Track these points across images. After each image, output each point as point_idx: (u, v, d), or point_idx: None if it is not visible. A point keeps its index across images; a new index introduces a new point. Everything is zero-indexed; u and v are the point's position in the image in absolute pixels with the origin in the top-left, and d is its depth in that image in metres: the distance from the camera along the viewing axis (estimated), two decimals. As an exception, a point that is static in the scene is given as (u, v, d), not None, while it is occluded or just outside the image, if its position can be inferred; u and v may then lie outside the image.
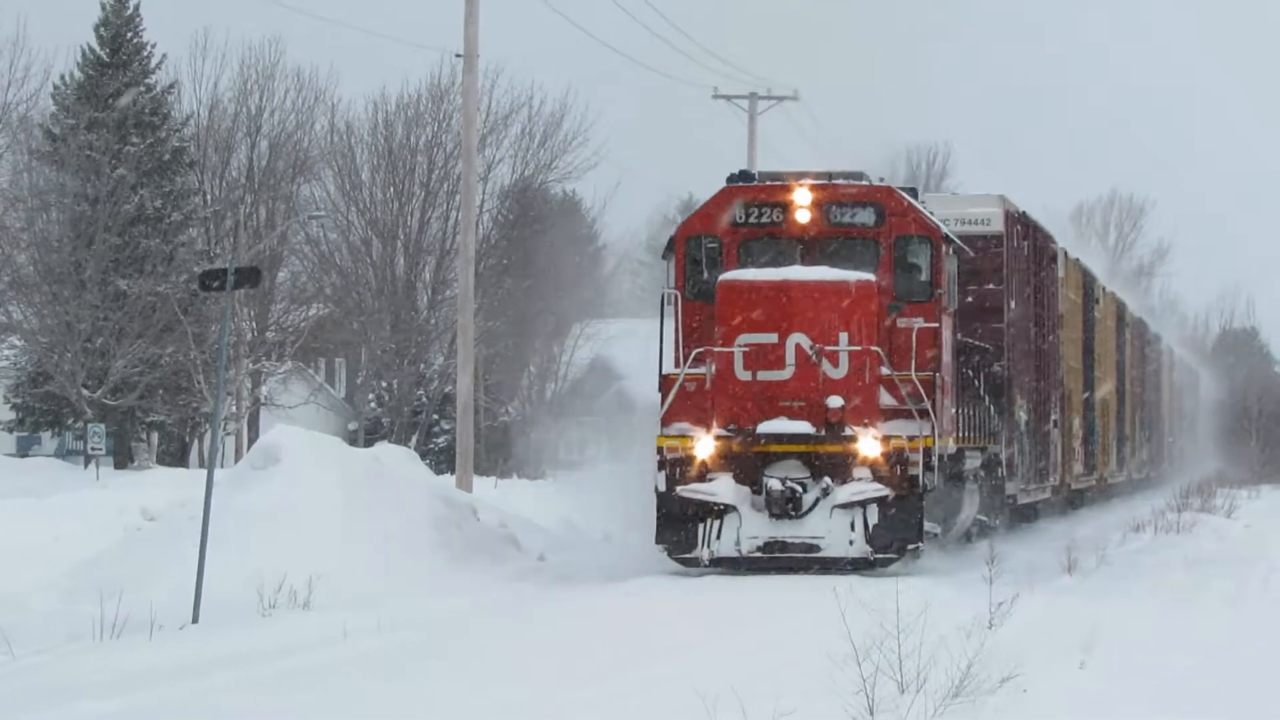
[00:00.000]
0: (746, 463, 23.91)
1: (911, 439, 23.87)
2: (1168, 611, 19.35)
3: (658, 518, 24.04)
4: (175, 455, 64.78)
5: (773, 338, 24.07)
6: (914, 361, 24.25)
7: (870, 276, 24.54)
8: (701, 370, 24.39)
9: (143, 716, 13.35)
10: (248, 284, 20.44)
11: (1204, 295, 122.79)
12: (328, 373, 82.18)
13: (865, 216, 25.25)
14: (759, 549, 23.54)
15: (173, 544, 21.69)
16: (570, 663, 15.78)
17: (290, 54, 78.62)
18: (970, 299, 29.42)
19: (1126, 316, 53.31)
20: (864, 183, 25.61)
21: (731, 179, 25.81)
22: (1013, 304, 32.26)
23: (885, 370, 24.21)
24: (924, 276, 25.25)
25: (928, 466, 23.89)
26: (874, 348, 24.14)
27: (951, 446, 25.90)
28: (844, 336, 24.10)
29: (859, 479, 23.77)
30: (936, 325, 24.96)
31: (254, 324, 64.06)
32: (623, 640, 17.54)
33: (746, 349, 24.07)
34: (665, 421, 24.40)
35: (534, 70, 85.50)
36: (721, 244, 25.30)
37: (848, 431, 23.85)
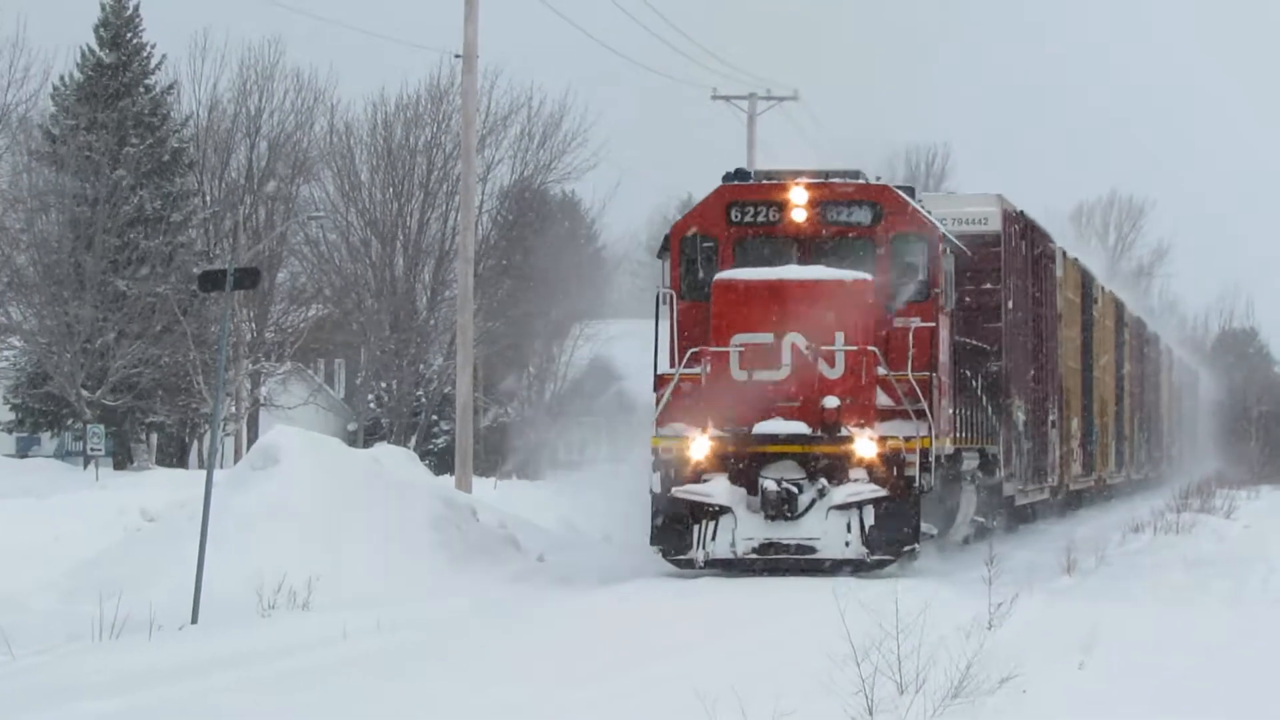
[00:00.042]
0: (742, 463, 23.80)
1: (908, 440, 23.77)
2: (1167, 612, 19.36)
3: (652, 519, 23.93)
4: (175, 456, 64.77)
5: (768, 337, 23.92)
6: (911, 361, 24.12)
7: (867, 276, 24.39)
8: (697, 370, 24.24)
9: (142, 716, 13.35)
10: (247, 285, 20.42)
11: (1203, 296, 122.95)
12: (327, 373, 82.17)
13: (862, 215, 25.11)
14: (754, 550, 23.42)
15: (172, 544, 21.68)
16: (570, 663, 15.79)
17: (289, 54, 78.87)
18: (968, 299, 29.30)
19: (1125, 316, 53.30)
20: (860, 181, 25.47)
21: (727, 178, 25.65)
22: (1010, 304, 32.16)
23: (882, 370, 24.09)
24: (921, 276, 25.08)
25: (924, 467, 23.76)
26: (870, 348, 24.01)
27: (949, 447, 25.78)
28: (840, 336, 23.95)
29: (855, 480, 23.63)
30: (933, 325, 24.79)
31: (253, 325, 64.07)
32: (622, 640, 17.54)
33: (742, 349, 23.93)
34: (660, 422, 24.28)
35: (533, 71, 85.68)
36: (717, 243, 25.14)
37: (844, 432, 23.73)
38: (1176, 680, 14.53)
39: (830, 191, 25.18)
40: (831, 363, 23.96)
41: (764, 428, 23.80)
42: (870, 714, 12.48)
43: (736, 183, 25.55)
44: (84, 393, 57.79)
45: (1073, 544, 26.45)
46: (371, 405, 71.25)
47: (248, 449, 41.95)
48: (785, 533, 23.43)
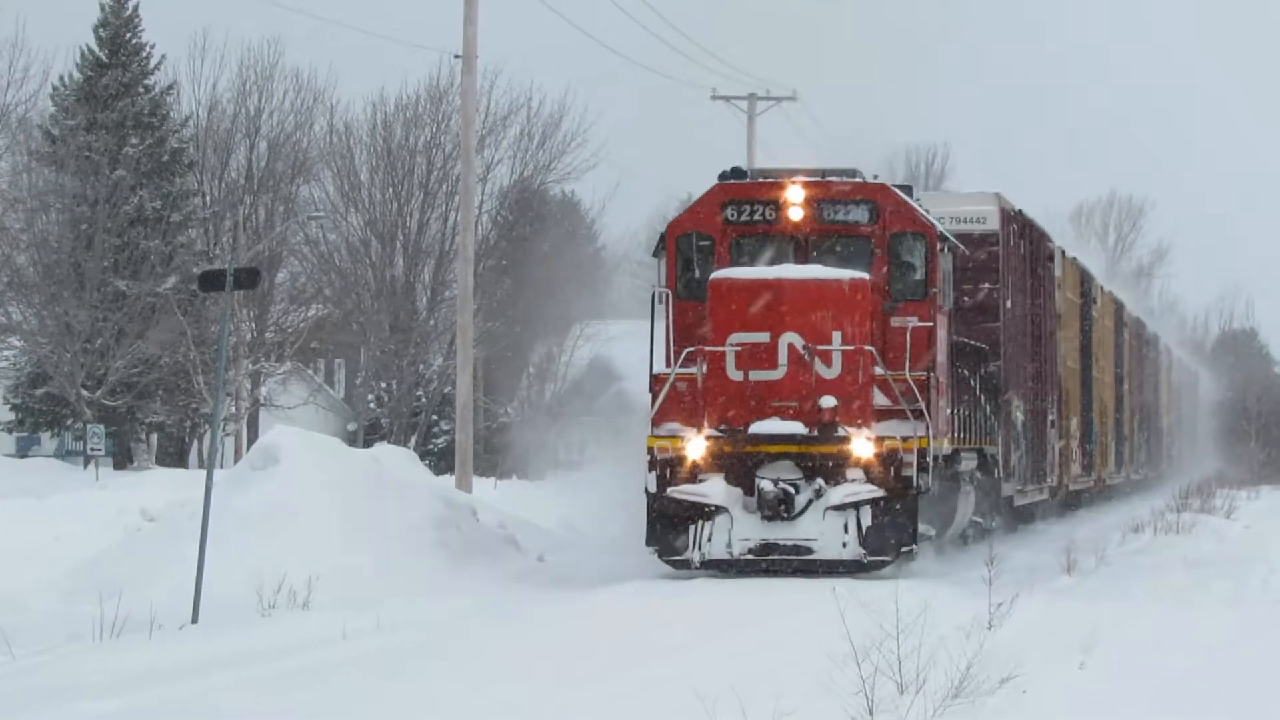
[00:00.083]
0: (738, 463, 23.62)
1: (906, 440, 23.60)
2: (1167, 612, 19.35)
3: (648, 519, 23.73)
4: (174, 456, 64.79)
5: (765, 337, 23.74)
6: (908, 361, 23.96)
7: (864, 275, 24.21)
8: (693, 370, 24.07)
9: (142, 716, 13.35)
10: (247, 285, 20.42)
11: (1203, 296, 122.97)
12: (327, 373, 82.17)
13: (859, 214, 24.94)
14: (751, 551, 23.25)
15: (172, 544, 21.69)
16: (570, 663, 15.78)
17: (289, 55, 78.75)
18: (966, 298, 29.20)
19: (1125, 316, 53.27)
20: (857, 180, 25.28)
21: (723, 176, 25.41)
22: (1009, 303, 32.05)
23: (879, 370, 23.93)
24: (918, 275, 24.91)
25: (922, 468, 23.57)
26: (868, 347, 23.82)
27: (946, 447, 25.60)
28: (837, 336, 23.77)
29: (852, 480, 23.45)
30: (931, 324, 24.63)
31: (253, 325, 64.08)
32: (622, 641, 17.54)
33: (738, 348, 23.75)
34: (656, 422, 24.09)
35: (533, 71, 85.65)
36: (713, 242, 24.95)
37: (841, 432, 23.53)
38: (1177, 680, 14.53)
39: (827, 190, 25.00)
40: (828, 362, 23.79)
41: (760, 428, 23.64)
42: (870, 714, 12.48)
43: (733, 181, 25.35)
44: (84, 393, 57.80)
45: (1073, 544, 26.44)
46: (371, 405, 71.26)
47: (248, 449, 41.96)
48: (782, 533, 23.28)
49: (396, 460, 28.87)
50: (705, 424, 23.81)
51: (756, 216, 24.99)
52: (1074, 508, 43.52)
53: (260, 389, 64.96)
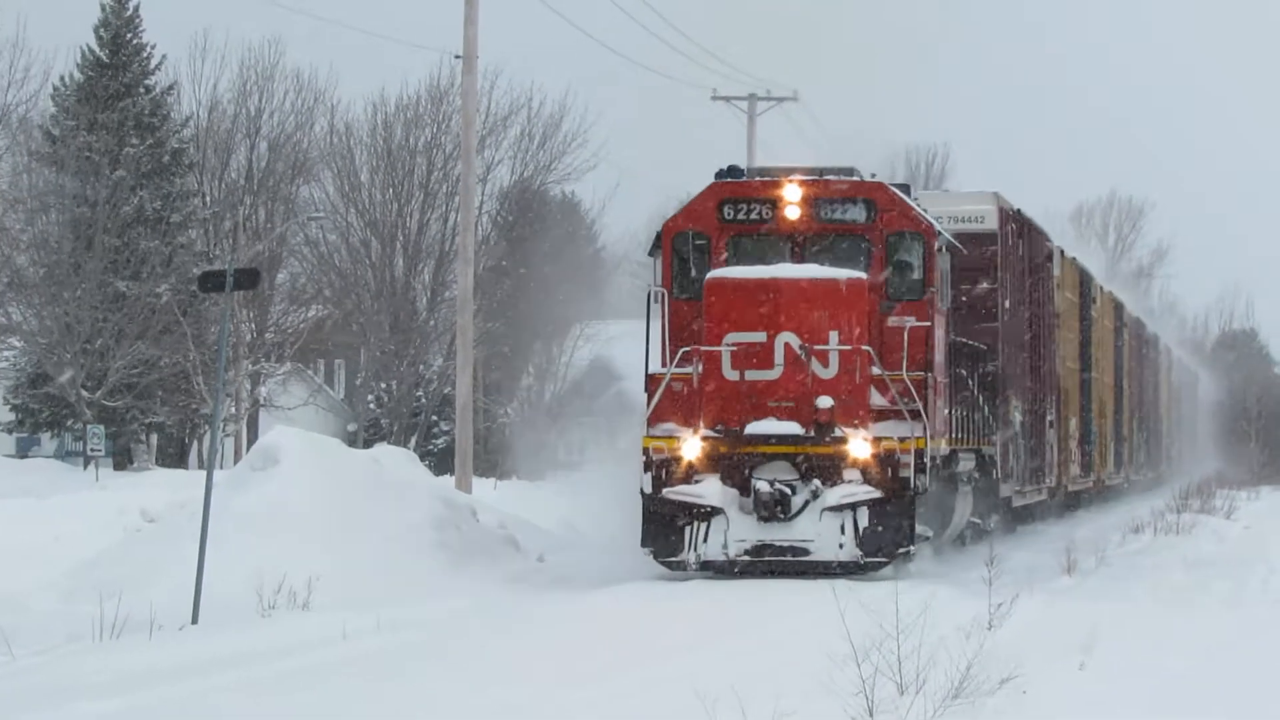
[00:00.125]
0: (734, 464, 23.45)
1: (903, 440, 23.43)
2: (1167, 613, 19.34)
3: (643, 520, 23.54)
4: (174, 456, 64.79)
5: (761, 337, 23.58)
6: (905, 361, 23.78)
7: (861, 274, 24.04)
8: (688, 370, 23.90)
9: (143, 717, 13.36)
10: (247, 285, 20.43)
11: (1203, 296, 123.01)
12: (327, 374, 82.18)
13: (856, 213, 24.73)
14: (747, 553, 23.08)
15: (172, 545, 21.70)
16: (570, 663, 15.79)
17: (290, 55, 78.85)
18: (964, 298, 29.06)
19: (1124, 317, 53.25)
20: (855, 178, 25.07)
21: (720, 174, 25.17)
22: (1007, 303, 31.95)
23: (876, 370, 23.74)
24: (916, 274, 24.73)
25: (919, 468, 23.41)
26: (865, 347, 23.65)
27: (944, 448, 25.46)
28: (834, 335, 23.60)
29: (849, 481, 23.28)
30: (929, 324, 24.44)
31: (253, 325, 64.09)
32: (622, 641, 17.54)
33: (734, 348, 23.58)
34: (651, 422, 23.91)
35: (533, 71, 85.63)
36: (710, 241, 24.74)
37: (838, 432, 23.36)
38: (1177, 681, 14.53)
39: (824, 188, 24.80)
40: (825, 362, 23.61)
41: (756, 428, 23.47)
42: (870, 715, 12.48)
43: (729, 180, 25.11)
44: (84, 393, 57.81)
45: (1072, 544, 26.42)
46: (371, 406, 71.27)
47: (247, 450, 41.97)
48: (778, 535, 23.11)
49: (396, 461, 28.88)
50: (701, 424, 23.65)
51: (753, 215, 24.77)
52: (1073, 508, 43.50)
53: (260, 390, 64.96)
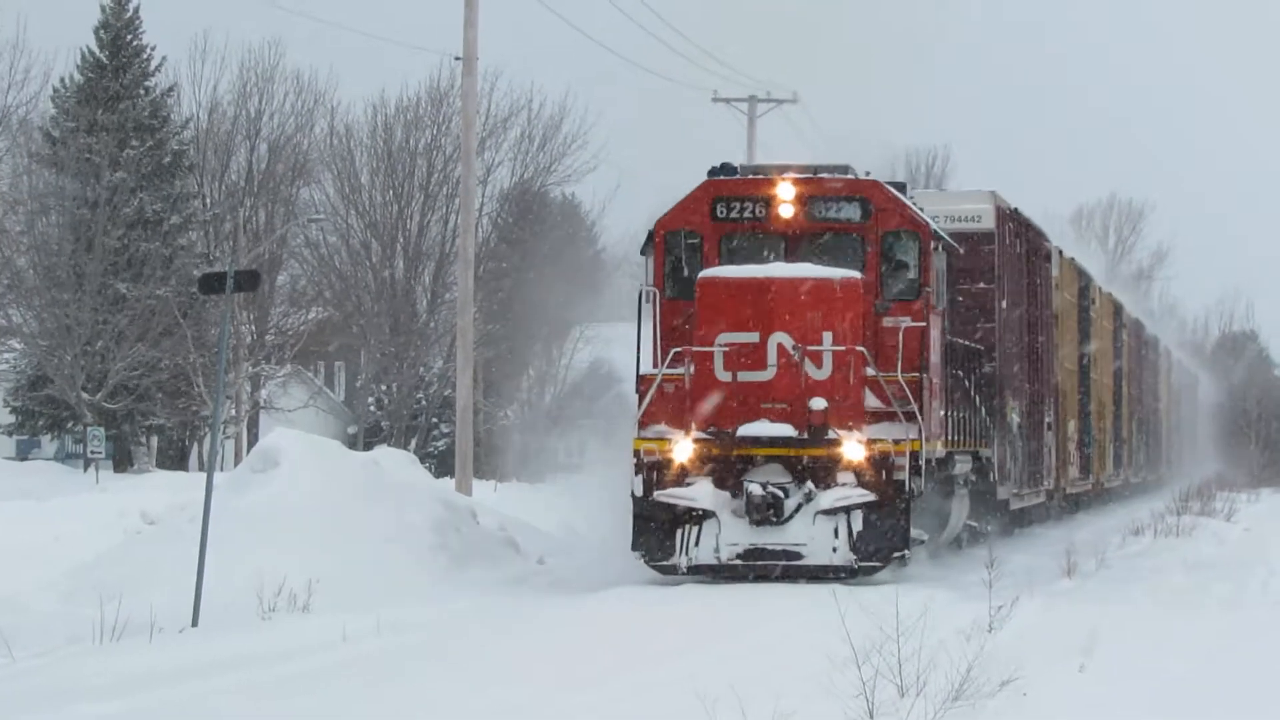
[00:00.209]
0: (726, 466, 23.17)
1: (898, 442, 23.14)
2: (1167, 615, 19.35)
3: (634, 523, 23.26)
4: (175, 458, 64.80)
5: (754, 337, 23.29)
6: (900, 362, 23.54)
7: (855, 274, 23.79)
8: (680, 370, 23.64)
9: (143, 719, 13.36)
10: (247, 287, 20.44)
11: (1203, 298, 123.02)
12: (327, 376, 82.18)
13: (851, 211, 24.42)
14: (739, 556, 22.81)
15: (172, 547, 21.69)
16: (570, 665, 15.80)
17: (290, 57, 78.82)
18: (960, 298, 28.90)
19: (1124, 318, 53.17)
20: (849, 176, 24.77)
21: (713, 172, 24.84)
22: (1004, 303, 31.78)
23: (871, 371, 23.51)
24: (911, 274, 24.45)
25: (915, 471, 23.16)
26: (859, 348, 23.41)
27: (940, 450, 25.16)
28: (828, 336, 23.33)
29: (843, 484, 23.02)
30: (924, 324, 24.25)
31: (253, 327, 64.10)
32: (622, 643, 17.54)
33: (727, 349, 23.30)
34: (642, 423, 23.64)
35: (533, 72, 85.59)
36: (702, 239, 24.44)
37: (831, 435, 23.07)
38: (1177, 683, 14.54)
39: (818, 187, 24.51)
40: (819, 363, 23.33)
41: (749, 430, 23.18)
42: (871, 717, 12.48)
43: (722, 178, 24.78)
44: (84, 395, 57.81)
45: (1072, 547, 26.39)
46: (371, 408, 71.28)
47: (248, 452, 41.97)
48: (771, 538, 22.83)
49: (396, 463, 28.88)
50: (693, 426, 23.39)
51: (746, 214, 24.48)
52: (1071, 511, 43.36)
53: (260, 392, 64.97)
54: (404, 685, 14.73)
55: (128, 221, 58.94)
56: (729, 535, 22.93)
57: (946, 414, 26.02)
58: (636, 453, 23.52)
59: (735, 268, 23.95)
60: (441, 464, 60.59)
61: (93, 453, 53.06)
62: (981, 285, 30.91)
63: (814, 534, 22.90)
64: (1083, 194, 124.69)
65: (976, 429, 29.02)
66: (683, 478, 23.27)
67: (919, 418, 23.45)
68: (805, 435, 23.17)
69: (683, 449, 23.34)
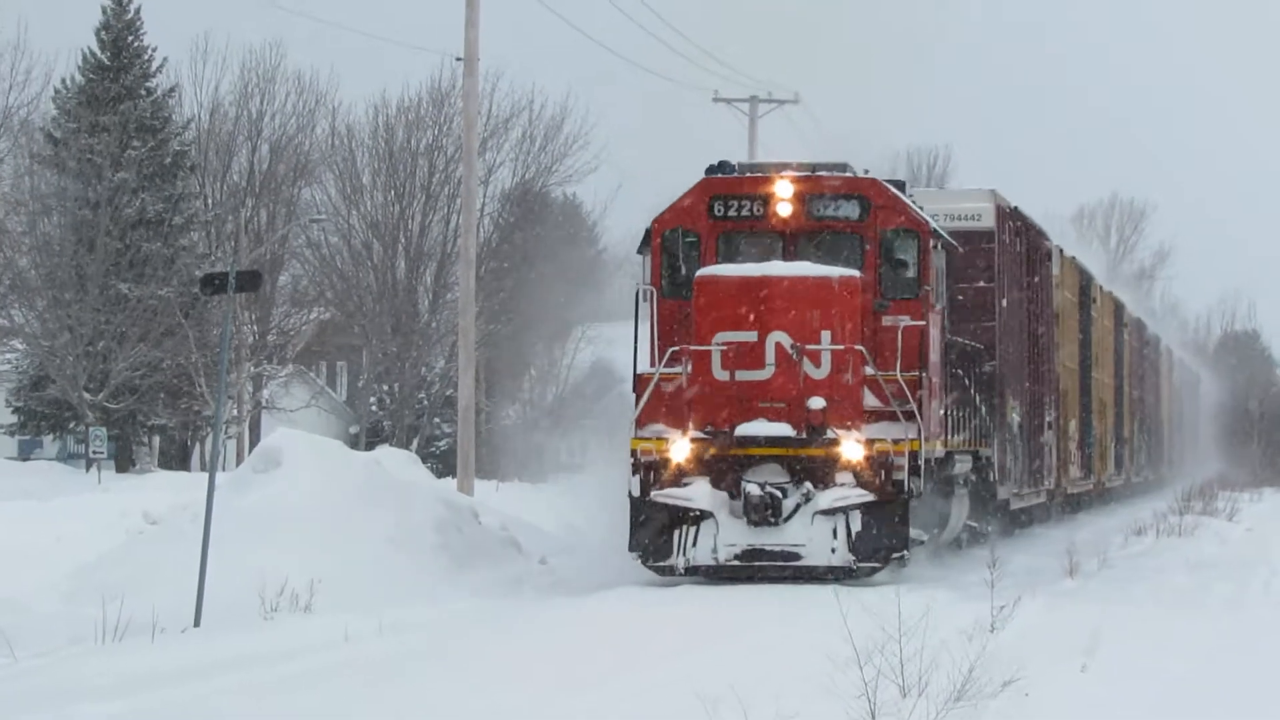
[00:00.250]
0: (724, 466, 23.02)
1: (897, 442, 23.02)
2: (1170, 615, 19.34)
3: (631, 524, 23.10)
4: (177, 459, 64.80)
5: (752, 336, 23.13)
6: (900, 361, 23.40)
7: (854, 272, 23.65)
8: (678, 370, 23.54)
9: (145, 719, 13.36)
10: (248, 288, 20.43)
11: (1205, 298, 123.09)
12: (329, 376, 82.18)
13: (849, 209, 24.24)
14: (737, 557, 22.66)
15: (174, 547, 21.69)
16: (570, 666, 15.78)
17: (291, 57, 78.62)
18: (960, 297, 28.75)
19: (1125, 317, 53.13)
20: (848, 174, 24.63)
21: (710, 170, 24.66)
22: (1005, 302, 31.67)
23: (869, 370, 23.38)
24: (911, 272, 24.26)
25: (914, 471, 23.02)
26: (858, 346, 23.30)
27: (939, 450, 25.04)
28: (826, 335, 23.18)
29: (842, 484, 22.89)
30: (924, 323, 24.13)
31: (255, 327, 64.12)
32: (623, 644, 17.53)
33: (724, 348, 23.15)
34: (640, 423, 23.51)
35: (534, 73, 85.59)
36: (699, 238, 24.28)
37: (830, 434, 22.95)
38: (1179, 683, 14.53)
39: (817, 184, 24.34)
40: (817, 362, 23.18)
41: (747, 429, 23.02)
42: (873, 717, 12.47)
43: (719, 176, 24.61)
44: (86, 395, 57.81)
45: (1073, 547, 26.36)
46: (373, 408, 71.29)
47: (250, 452, 41.96)
48: (769, 539, 22.68)
49: (398, 463, 28.91)
50: (690, 425, 23.27)
51: (744, 212, 24.30)
52: (1072, 511, 43.28)
53: (262, 392, 64.98)
54: (405, 686, 14.73)
55: (129, 222, 58.95)
56: (727, 536, 22.79)
57: (946, 413, 25.89)
58: (634, 452, 23.40)
59: (733, 266, 23.81)
60: (443, 464, 60.60)
61: (95, 453, 53.07)
62: (981, 284, 30.82)
63: (812, 534, 22.76)
64: (1083, 194, 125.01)
65: (977, 428, 28.91)
66: (680, 478, 23.15)
67: (918, 417, 23.32)
68: (804, 435, 23.05)
69: (680, 449, 23.22)
